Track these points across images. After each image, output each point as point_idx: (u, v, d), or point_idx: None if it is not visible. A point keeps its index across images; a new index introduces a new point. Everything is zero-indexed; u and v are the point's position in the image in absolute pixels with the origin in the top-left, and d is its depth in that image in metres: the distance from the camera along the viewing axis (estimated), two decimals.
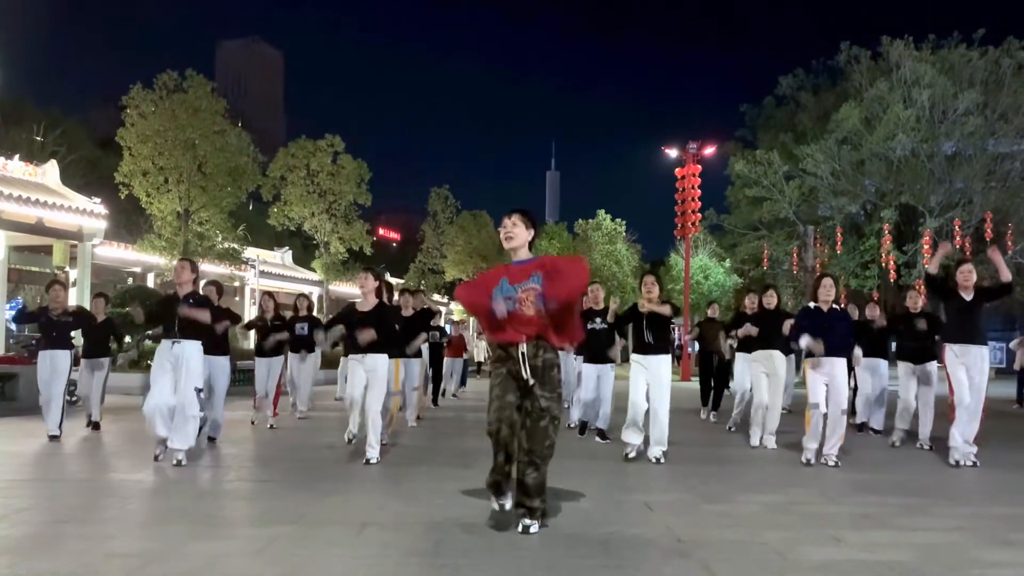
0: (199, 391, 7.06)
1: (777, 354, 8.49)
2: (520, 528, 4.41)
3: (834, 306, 7.49)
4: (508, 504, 4.61)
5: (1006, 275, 7.49)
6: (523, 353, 4.49)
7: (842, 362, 7.41)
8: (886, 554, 4.13)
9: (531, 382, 4.46)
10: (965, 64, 32.66)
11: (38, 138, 34.41)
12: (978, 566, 3.95)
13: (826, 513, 5.24)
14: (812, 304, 7.55)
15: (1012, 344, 16.24)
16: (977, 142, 32.33)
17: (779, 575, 3.74)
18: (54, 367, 8.80)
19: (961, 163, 32.71)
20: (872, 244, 33.33)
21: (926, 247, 30.95)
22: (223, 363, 8.67)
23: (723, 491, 5.98)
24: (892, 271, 32.10)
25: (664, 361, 7.50)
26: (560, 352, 4.69)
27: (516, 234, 4.66)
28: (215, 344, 8.44)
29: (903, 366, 8.90)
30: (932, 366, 8.75)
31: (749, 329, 8.99)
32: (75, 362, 9.60)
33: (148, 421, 6.86)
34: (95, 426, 9.43)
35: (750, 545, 4.30)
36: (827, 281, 7.53)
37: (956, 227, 31.03)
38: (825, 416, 7.29)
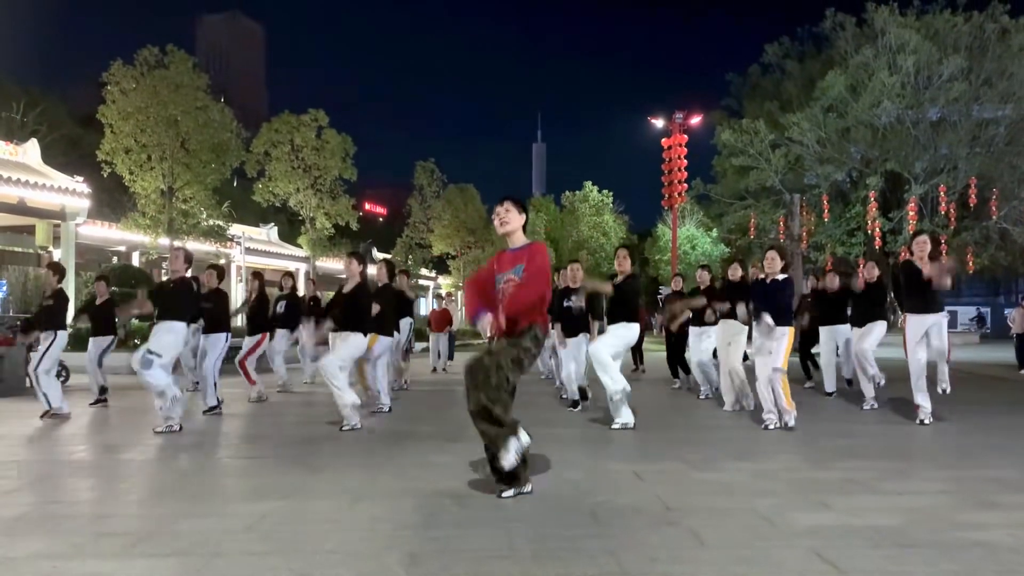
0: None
1: (734, 323, 8.74)
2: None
3: (777, 277, 7.69)
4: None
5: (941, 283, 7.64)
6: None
7: (782, 330, 7.58)
8: (873, 518, 4.18)
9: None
10: (950, 29, 32.61)
11: (17, 117, 33.96)
12: (963, 528, 4.00)
13: (813, 479, 5.28)
14: (760, 276, 8.04)
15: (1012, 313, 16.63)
16: (962, 108, 32.37)
17: (767, 541, 3.78)
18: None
19: (946, 129, 32.76)
20: (858, 211, 33.43)
21: (911, 214, 31.08)
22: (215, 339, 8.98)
23: (711, 459, 6.02)
24: (877, 238, 32.24)
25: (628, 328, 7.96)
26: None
27: (510, 219, 4.78)
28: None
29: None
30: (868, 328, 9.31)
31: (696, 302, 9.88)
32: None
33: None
34: (101, 391, 9.96)
35: (739, 512, 4.34)
36: (770, 254, 7.80)
37: (941, 193, 31.13)
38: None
